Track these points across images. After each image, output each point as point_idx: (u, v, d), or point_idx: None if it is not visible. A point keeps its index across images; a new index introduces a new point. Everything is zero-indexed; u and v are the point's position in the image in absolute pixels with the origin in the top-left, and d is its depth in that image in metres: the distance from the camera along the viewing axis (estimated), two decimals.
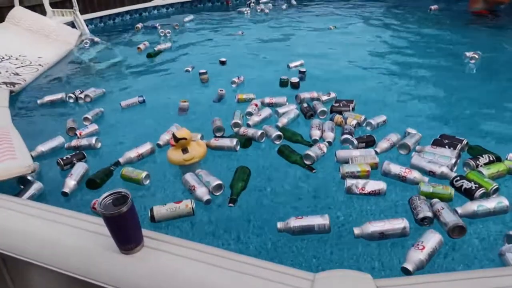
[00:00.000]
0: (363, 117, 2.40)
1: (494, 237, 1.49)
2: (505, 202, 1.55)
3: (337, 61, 3.81)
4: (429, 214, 1.52)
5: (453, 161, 1.86)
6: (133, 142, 2.27)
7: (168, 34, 5.05)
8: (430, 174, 1.83)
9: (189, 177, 1.86)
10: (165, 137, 2.30)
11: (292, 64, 3.56)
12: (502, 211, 1.55)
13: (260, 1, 7.00)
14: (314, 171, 1.95)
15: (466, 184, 1.69)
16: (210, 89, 3.20)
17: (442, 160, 1.88)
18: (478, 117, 2.58)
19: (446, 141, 2.03)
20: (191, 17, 6.13)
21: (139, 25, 5.66)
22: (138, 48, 4.41)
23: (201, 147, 2.01)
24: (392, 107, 2.68)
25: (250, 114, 2.57)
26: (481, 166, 1.84)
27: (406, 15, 5.84)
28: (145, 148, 2.17)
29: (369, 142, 2.15)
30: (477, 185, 1.67)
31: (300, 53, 3.97)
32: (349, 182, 1.75)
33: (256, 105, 2.67)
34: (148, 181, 1.92)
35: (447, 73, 3.47)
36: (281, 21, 5.79)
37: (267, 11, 6.39)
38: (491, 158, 1.88)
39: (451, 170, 1.83)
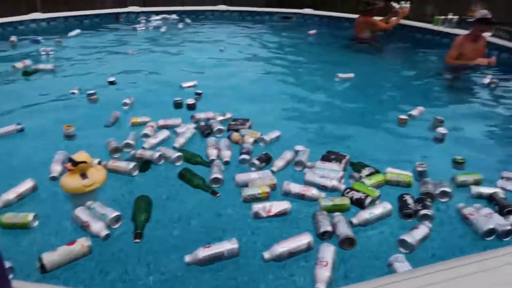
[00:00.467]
0: (259, 134, 2.48)
1: (385, 245, 1.62)
2: (388, 206, 1.78)
3: (228, 81, 3.88)
4: (329, 228, 1.62)
5: (341, 174, 2.05)
6: (9, 179, 1.95)
7: (51, 53, 4.58)
8: (323, 188, 1.96)
9: (80, 212, 1.67)
10: (57, 168, 2.04)
11: (185, 84, 3.52)
12: (388, 215, 1.76)
13: (151, 19, 6.83)
14: (218, 195, 1.92)
15: (356, 195, 1.86)
16: (100, 111, 2.97)
17: (332, 174, 2.04)
18: (354, 133, 2.83)
19: (333, 156, 2.22)
20: (76, 31, 5.73)
21: (14, 38, 5.08)
22: (14, 66, 3.96)
23: (101, 171, 1.85)
24: (280, 125, 2.76)
25: (146, 136, 2.46)
26: (363, 177, 2.04)
27: (292, 39, 6.30)
28: (26, 186, 1.88)
29: (268, 160, 2.23)
30: (365, 194, 1.84)
31: (193, 73, 3.98)
32: (256, 207, 1.76)
33: (152, 126, 2.58)
34: (36, 223, 1.67)
35: (324, 93, 3.78)
36: (175, 40, 5.73)
37: (163, 29, 6.22)
38: (372, 171, 2.09)
39: (340, 182, 2.01)
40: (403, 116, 2.88)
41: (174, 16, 7.04)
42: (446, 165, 2.29)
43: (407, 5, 5.55)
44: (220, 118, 2.78)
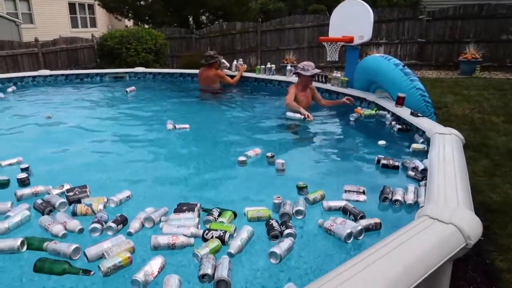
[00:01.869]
0: (105, 198, 2.32)
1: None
2: (249, 228, 2.01)
3: (60, 148, 3.56)
4: (209, 271, 1.66)
5: (197, 220, 2.13)
6: None
7: None
8: (185, 237, 1.96)
9: None
10: None
11: (5, 162, 3.03)
12: (252, 235, 2.00)
13: None
14: (92, 273, 1.71)
15: (215, 233, 1.96)
16: None
17: (188, 222, 2.09)
18: (203, 181, 2.93)
19: (185, 207, 2.27)
20: None
21: None
22: None
23: None
24: (127, 185, 2.66)
25: None
26: (217, 219, 2.17)
27: (118, 99, 6.19)
28: None
29: (124, 222, 2.10)
30: (223, 231, 1.98)
31: (16, 148, 3.47)
32: (138, 277, 1.62)
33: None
34: None
35: (164, 146, 3.82)
36: None
37: None
38: (219, 211, 2.24)
39: (198, 228, 2.07)
40: (241, 158, 3.09)
41: None
42: (295, 190, 2.53)
43: (242, 63, 6.45)
44: (57, 191, 2.48)
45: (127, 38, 10.34)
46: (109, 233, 2.01)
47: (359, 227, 1.99)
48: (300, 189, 2.52)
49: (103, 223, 2.07)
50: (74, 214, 2.20)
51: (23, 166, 2.84)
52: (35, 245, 1.89)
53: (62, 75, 7.26)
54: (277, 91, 6.19)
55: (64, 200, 2.31)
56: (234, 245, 1.88)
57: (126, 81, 7.35)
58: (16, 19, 14.52)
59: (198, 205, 2.27)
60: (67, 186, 2.52)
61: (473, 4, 11.06)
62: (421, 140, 3.38)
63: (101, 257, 1.79)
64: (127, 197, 2.41)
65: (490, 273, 2.67)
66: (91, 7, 20.94)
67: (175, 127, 4.08)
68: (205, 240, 1.96)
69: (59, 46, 10.84)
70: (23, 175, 2.65)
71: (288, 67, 6.56)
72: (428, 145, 3.09)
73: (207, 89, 6.04)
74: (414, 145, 3.29)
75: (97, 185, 2.60)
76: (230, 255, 1.84)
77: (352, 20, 5.11)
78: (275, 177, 2.89)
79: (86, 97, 6.00)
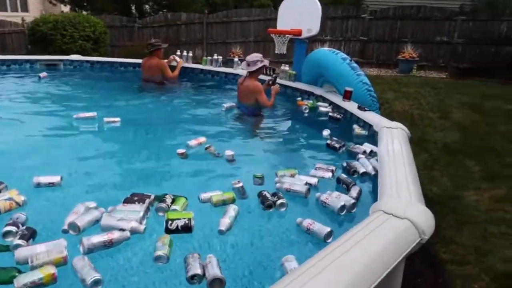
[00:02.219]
0: (22, 198, 2.06)
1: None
2: (235, 207, 2.07)
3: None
4: (199, 271, 1.57)
5: (141, 214, 1.95)
6: None
7: None
8: (122, 231, 1.82)
9: None
10: None
11: None
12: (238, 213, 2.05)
13: None
14: None
15: (179, 222, 1.88)
16: None
17: (132, 215, 1.93)
18: (150, 174, 2.77)
19: (136, 198, 2.10)
20: None
21: None
22: None
23: None
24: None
25: None
26: (170, 205, 2.07)
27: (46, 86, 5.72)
28: None
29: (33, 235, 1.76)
30: (186, 218, 1.90)
31: None
32: None
33: None
34: None
35: (87, 136, 3.60)
36: None
37: None
38: (172, 197, 2.14)
39: (140, 223, 1.91)
40: (180, 150, 2.94)
41: None
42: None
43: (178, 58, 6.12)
44: None
45: (63, 23, 9.61)
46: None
47: (352, 201, 2.13)
48: (258, 178, 2.46)
49: (19, 226, 1.80)
50: None
51: None
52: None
53: None
54: (224, 83, 6.03)
55: None
56: (224, 222, 1.91)
57: (60, 69, 6.78)
58: None
59: (152, 198, 2.10)
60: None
61: (411, 6, 11.60)
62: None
63: (27, 263, 1.54)
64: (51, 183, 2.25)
65: (436, 266, 2.72)
66: None
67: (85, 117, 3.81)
68: (169, 231, 1.85)
69: None
70: None
71: (236, 60, 6.42)
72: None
73: (150, 79, 5.71)
74: (357, 130, 3.51)
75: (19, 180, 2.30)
76: (221, 232, 1.88)
77: (300, 13, 5.06)
78: (222, 168, 2.77)
79: (10, 87, 5.42)
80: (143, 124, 4.03)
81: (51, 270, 1.48)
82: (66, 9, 16.26)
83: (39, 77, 5.84)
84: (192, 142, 3.11)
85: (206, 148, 3.02)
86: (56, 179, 2.30)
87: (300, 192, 2.26)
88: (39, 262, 1.53)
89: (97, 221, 1.89)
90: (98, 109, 4.11)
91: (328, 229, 1.88)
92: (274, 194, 2.21)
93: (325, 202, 2.16)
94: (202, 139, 3.19)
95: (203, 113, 4.66)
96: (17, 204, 2.01)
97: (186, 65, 6.44)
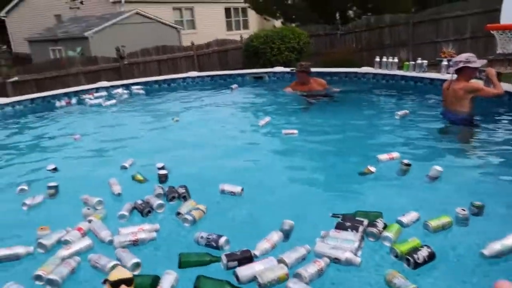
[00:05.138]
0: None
1: None
2: None
3: (190, 152, 3.65)
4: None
5: (356, 244, 1.82)
6: None
7: None
8: (335, 261, 1.75)
9: None
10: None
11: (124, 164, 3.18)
12: None
13: (100, 94, 6.49)
14: None
15: (419, 254, 1.72)
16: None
17: (346, 244, 1.82)
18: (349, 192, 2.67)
19: (348, 223, 1.98)
20: None
21: None
22: None
23: None
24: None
25: (66, 242, 2.01)
26: (381, 231, 1.92)
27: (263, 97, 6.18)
28: None
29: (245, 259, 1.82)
30: (422, 247, 1.77)
31: (146, 151, 3.67)
32: None
33: (80, 229, 2.11)
34: None
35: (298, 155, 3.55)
36: (122, 116, 5.39)
37: (108, 103, 5.90)
38: (384, 222, 2.00)
39: (355, 254, 1.79)
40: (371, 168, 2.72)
41: (122, 90, 6.63)
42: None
43: None
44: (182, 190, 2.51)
45: (271, 37, 10.51)
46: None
47: None
48: (478, 209, 2.10)
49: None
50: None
51: (159, 165, 2.96)
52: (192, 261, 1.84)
53: (208, 76, 7.73)
54: (428, 91, 5.34)
55: (162, 201, 2.29)
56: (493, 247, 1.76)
57: (265, 81, 7.40)
58: (178, 26, 16.29)
59: (365, 224, 1.97)
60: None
61: None
62: None
63: (252, 280, 1.67)
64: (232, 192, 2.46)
65: None
66: (244, 10, 22.28)
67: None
68: (417, 266, 1.71)
69: (212, 48, 11.74)
70: (163, 171, 2.81)
71: (444, 63, 5.62)
72: None
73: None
74: None
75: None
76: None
77: None
78: (420, 188, 2.52)
79: (222, 100, 6.15)
80: (323, 137, 3.94)
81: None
82: (278, 23, 17.89)
83: (231, 88, 6.47)
84: (383, 157, 2.87)
85: (402, 164, 2.72)
86: (237, 189, 2.43)
87: None
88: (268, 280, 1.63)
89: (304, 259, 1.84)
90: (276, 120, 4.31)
91: None
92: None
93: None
94: (395, 154, 2.93)
95: (390, 124, 4.23)
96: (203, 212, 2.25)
97: (386, 71, 6.06)
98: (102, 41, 12.45)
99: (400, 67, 6.25)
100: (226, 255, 1.78)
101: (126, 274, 1.47)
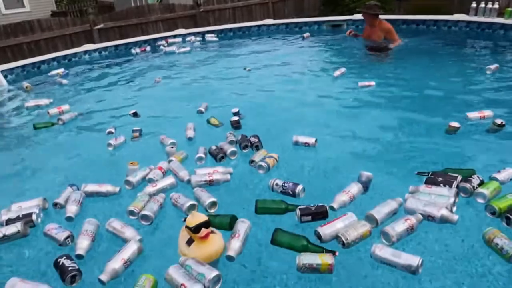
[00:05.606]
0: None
1: None
2: None
3: (263, 101, 3.63)
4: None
5: (452, 200, 1.70)
6: None
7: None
8: (429, 219, 1.65)
9: (174, 272, 1.45)
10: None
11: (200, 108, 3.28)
12: None
13: (174, 40, 6.69)
14: (337, 254, 1.56)
15: None
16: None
17: (440, 200, 1.71)
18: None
19: (440, 178, 1.86)
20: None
21: (27, 84, 4.56)
22: (48, 113, 3.49)
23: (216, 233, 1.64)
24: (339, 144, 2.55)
25: (151, 180, 2.16)
26: (476, 187, 1.77)
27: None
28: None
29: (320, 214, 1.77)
30: None
31: (219, 98, 3.71)
32: None
33: (161, 168, 2.25)
34: None
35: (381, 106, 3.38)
36: (199, 63, 5.44)
37: (182, 50, 6.03)
38: (480, 178, 1.84)
39: (451, 210, 1.67)
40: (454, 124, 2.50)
41: (196, 38, 6.79)
42: None
43: None
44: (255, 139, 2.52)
45: None
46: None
47: None
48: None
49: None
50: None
51: (235, 110, 3.05)
52: (265, 208, 1.87)
53: (283, 24, 7.48)
54: None
55: (235, 149, 2.32)
56: None
57: (343, 29, 6.97)
58: None
59: (458, 179, 1.84)
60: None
61: None
62: None
63: (333, 238, 1.63)
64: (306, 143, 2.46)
65: None
66: None
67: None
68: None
69: None
70: (235, 117, 2.89)
71: None
72: None
73: None
74: None
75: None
76: None
77: None
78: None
79: (296, 49, 5.94)
80: (403, 91, 3.67)
81: (329, 260, 1.48)
82: None
83: (303, 37, 6.22)
84: (473, 115, 2.64)
85: (494, 124, 2.47)
86: (311, 140, 2.40)
87: None
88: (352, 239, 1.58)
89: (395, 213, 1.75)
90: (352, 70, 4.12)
91: None
92: None
93: None
94: (487, 112, 2.67)
95: (479, 81, 3.79)
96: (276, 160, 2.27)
97: (483, 19, 5.37)
98: None
99: (500, 14, 5.51)
100: (300, 209, 1.76)
101: (202, 218, 1.53)
